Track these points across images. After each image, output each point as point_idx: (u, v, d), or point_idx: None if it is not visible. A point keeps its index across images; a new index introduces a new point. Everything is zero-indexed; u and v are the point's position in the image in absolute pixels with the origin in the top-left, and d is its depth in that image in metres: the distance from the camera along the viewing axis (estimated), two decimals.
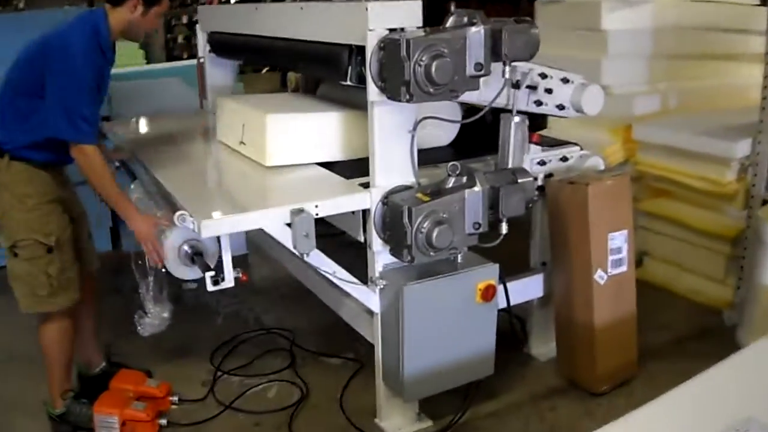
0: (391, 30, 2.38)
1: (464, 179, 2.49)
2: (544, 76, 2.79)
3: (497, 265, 2.66)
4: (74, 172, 2.75)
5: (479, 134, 2.96)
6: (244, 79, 7.31)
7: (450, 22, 2.41)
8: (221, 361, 3.27)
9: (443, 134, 3.10)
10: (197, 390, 3.06)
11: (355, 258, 2.70)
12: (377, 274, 2.61)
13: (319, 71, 2.98)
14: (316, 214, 2.42)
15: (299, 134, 2.82)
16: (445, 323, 2.61)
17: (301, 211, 2.38)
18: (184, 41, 11.07)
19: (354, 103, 2.99)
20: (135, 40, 2.81)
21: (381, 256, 2.59)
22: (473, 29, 2.34)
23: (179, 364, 3.27)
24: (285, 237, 2.42)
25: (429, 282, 2.54)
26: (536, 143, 2.93)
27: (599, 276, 2.86)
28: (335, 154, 2.88)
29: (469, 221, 2.48)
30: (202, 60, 3.93)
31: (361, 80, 2.51)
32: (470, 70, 2.35)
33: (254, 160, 2.89)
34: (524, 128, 2.80)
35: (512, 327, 3.18)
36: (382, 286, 2.59)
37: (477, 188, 2.46)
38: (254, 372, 3.19)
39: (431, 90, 2.29)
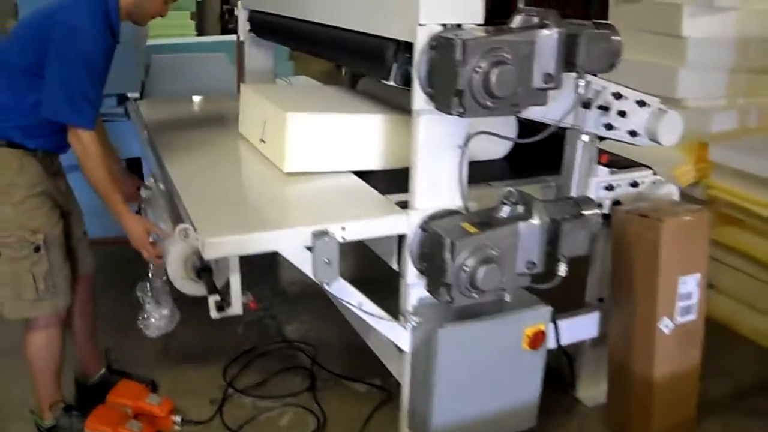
0: (446, 26, 1.91)
1: (519, 208, 2.02)
2: (618, 96, 2.26)
3: (550, 308, 2.20)
4: (66, 158, 2.37)
5: (539, 148, 2.47)
6: (296, 58, 6.84)
7: (517, 21, 1.93)
8: (235, 376, 2.86)
9: (497, 146, 2.62)
10: (204, 409, 2.66)
11: None
12: (410, 309, 2.16)
13: (360, 66, 2.50)
14: (342, 238, 1.99)
15: (325, 138, 2.37)
16: (483, 370, 2.16)
17: (323, 233, 1.95)
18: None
19: (398, 103, 2.54)
20: (139, 22, 2.41)
21: (415, 289, 2.14)
22: (544, 32, 1.86)
23: (188, 376, 2.87)
24: (304, 262, 1.99)
25: (469, 325, 2.09)
26: (605, 165, 2.43)
27: (664, 325, 2.37)
28: (370, 163, 2.42)
29: (521, 260, 2.01)
30: (242, 40, 3.50)
31: (407, 82, 2.06)
32: (537, 81, 1.88)
33: (270, 161, 2.47)
34: (593, 150, 2.31)
35: (559, 365, 2.72)
36: (414, 324, 2.14)
37: (535, 221, 1.99)
38: (269, 392, 2.76)
39: (489, 103, 1.82)
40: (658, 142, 2.35)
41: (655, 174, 2.57)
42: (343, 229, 1.98)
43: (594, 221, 2.11)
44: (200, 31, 6.35)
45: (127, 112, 3.58)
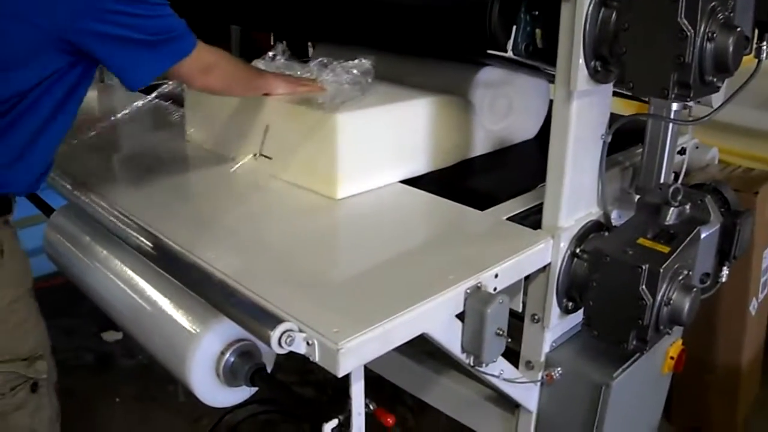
0: None
1: (687, 209, 1.51)
2: None
3: None
4: None
5: None
6: None
7: None
8: None
9: (528, 124, 2.05)
10: None
11: None
12: (543, 359, 1.57)
13: (426, 35, 1.67)
14: (495, 289, 1.33)
15: (378, 141, 1.64)
16: (631, 411, 1.67)
17: (478, 289, 1.28)
18: None
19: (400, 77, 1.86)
20: None
21: (552, 333, 1.56)
22: None
23: None
24: (453, 337, 1.30)
25: (633, 367, 1.56)
26: None
27: (752, 306, 2.06)
28: (421, 166, 1.75)
29: (698, 273, 1.52)
30: None
31: (535, 53, 1.43)
32: None
33: (299, 186, 1.66)
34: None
35: None
36: (558, 376, 1.56)
37: (714, 222, 1.51)
38: None
39: (715, 80, 1.27)
40: None
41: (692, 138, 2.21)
42: (496, 276, 1.33)
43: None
44: None
45: None
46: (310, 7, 1.80)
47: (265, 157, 1.68)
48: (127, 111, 2.05)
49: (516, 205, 1.60)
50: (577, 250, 1.47)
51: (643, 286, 1.35)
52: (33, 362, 1.38)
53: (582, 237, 1.48)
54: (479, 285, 1.29)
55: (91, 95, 2.49)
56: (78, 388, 2.57)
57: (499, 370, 1.46)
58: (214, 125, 1.85)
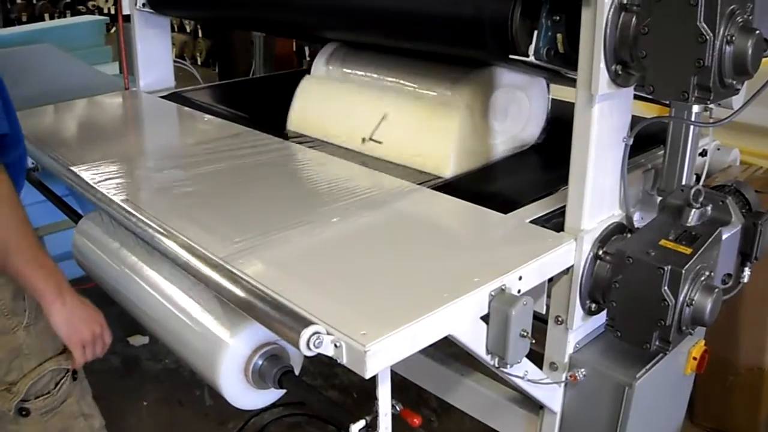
0: None
1: (709, 210, 1.52)
2: None
3: None
4: None
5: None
6: None
7: None
8: None
9: (528, 132, 2.06)
10: None
11: None
12: (567, 360, 1.59)
13: (443, 40, 1.70)
14: (519, 291, 1.35)
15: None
16: (655, 412, 1.68)
17: (502, 291, 1.31)
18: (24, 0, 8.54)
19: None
20: None
21: (575, 334, 1.57)
22: None
23: None
24: (478, 339, 1.33)
25: (656, 367, 1.57)
26: None
27: None
28: None
29: (719, 273, 1.53)
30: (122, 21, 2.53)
31: (557, 57, 1.45)
32: None
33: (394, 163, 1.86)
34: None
35: None
36: (582, 377, 1.58)
37: (736, 223, 1.52)
38: None
39: (735, 83, 1.28)
40: None
41: (713, 139, 2.21)
42: (520, 278, 1.35)
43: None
44: None
45: None
46: (325, 10, 1.84)
47: (375, 141, 1.82)
48: None
49: (539, 208, 1.62)
50: (600, 252, 1.49)
51: (666, 287, 1.37)
52: (70, 353, 1.44)
53: (605, 239, 1.50)
54: (503, 287, 1.31)
55: (116, 101, 2.57)
56: (105, 392, 2.61)
57: (523, 371, 1.48)
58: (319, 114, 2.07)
